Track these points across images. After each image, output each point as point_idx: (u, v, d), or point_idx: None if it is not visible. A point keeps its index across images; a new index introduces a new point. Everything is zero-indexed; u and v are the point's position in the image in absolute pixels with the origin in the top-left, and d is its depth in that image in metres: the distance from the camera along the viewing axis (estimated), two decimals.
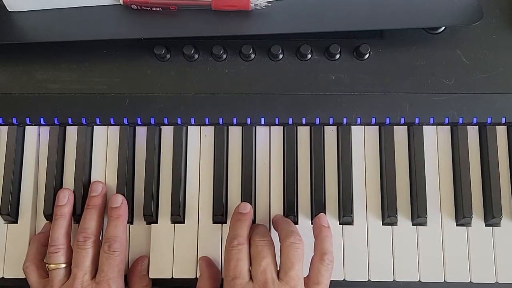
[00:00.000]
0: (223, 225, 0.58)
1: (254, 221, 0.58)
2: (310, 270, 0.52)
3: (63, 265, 0.55)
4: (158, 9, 0.57)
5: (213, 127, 0.59)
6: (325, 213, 0.57)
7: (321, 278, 0.51)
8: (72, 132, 0.60)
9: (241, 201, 0.57)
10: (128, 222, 0.58)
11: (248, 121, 0.58)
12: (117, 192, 0.58)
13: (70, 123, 0.59)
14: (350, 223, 0.57)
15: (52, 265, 0.54)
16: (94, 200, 0.57)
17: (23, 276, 0.56)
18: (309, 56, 0.59)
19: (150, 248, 0.57)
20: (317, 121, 0.58)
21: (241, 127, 0.59)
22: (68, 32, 0.58)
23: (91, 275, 0.54)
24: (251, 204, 0.57)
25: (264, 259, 0.51)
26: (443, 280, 0.56)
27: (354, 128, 0.59)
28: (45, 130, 0.60)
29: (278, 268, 0.52)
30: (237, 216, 0.55)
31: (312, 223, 0.57)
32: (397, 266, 0.56)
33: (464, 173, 0.57)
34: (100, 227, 0.57)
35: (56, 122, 0.59)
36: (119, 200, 0.57)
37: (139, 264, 0.57)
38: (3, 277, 0.57)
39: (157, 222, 0.58)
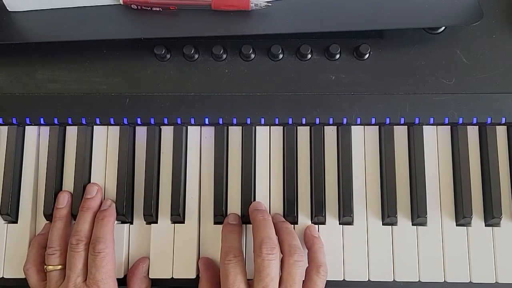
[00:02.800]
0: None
1: None
2: (306, 281, 0.53)
3: (60, 267, 0.55)
4: (158, 9, 0.57)
5: (213, 127, 0.59)
6: (325, 213, 0.57)
7: None
8: (72, 132, 0.60)
9: (241, 202, 0.58)
10: (128, 222, 0.58)
11: (248, 121, 0.58)
12: (117, 192, 0.58)
13: (70, 123, 0.59)
14: (350, 223, 0.57)
15: (49, 267, 0.55)
16: (88, 202, 0.57)
17: (23, 276, 0.56)
18: (309, 56, 0.59)
19: (150, 248, 0.57)
20: (317, 121, 0.58)
21: (241, 127, 0.59)
22: (68, 32, 0.58)
23: (83, 277, 0.54)
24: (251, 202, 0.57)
25: (268, 276, 0.51)
26: (443, 280, 0.56)
27: (354, 128, 0.59)
28: (45, 130, 0.60)
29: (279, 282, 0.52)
30: (228, 227, 0.56)
31: (312, 222, 0.57)
32: (397, 266, 0.56)
33: (464, 173, 0.57)
34: None
35: (56, 122, 0.59)
36: (107, 204, 0.57)
37: (140, 265, 0.57)
38: (3, 277, 0.57)
39: (157, 222, 0.58)
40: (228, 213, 0.58)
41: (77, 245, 0.54)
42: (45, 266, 0.55)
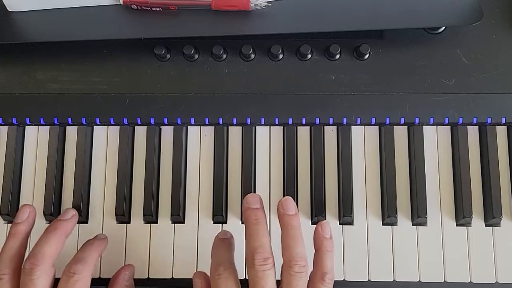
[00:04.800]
0: (223, 225, 0.58)
1: None
2: (309, 287, 0.49)
3: None
4: (158, 9, 0.57)
5: (213, 127, 0.59)
6: (325, 213, 0.57)
7: None
8: (72, 132, 0.60)
9: (241, 201, 0.57)
10: (127, 222, 0.58)
11: (248, 121, 0.58)
12: (116, 192, 0.58)
13: (70, 123, 0.59)
14: (350, 223, 0.57)
15: None
16: (59, 223, 0.52)
17: None
18: (309, 56, 0.59)
19: (150, 248, 0.57)
20: (317, 121, 0.58)
21: (241, 127, 0.59)
22: (68, 32, 0.58)
23: None
24: None
25: None
26: (443, 280, 0.56)
27: (354, 128, 0.59)
28: (45, 130, 0.60)
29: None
30: (217, 242, 0.52)
31: (311, 223, 0.57)
32: (397, 266, 0.56)
33: (464, 173, 0.57)
34: (59, 252, 0.51)
35: (56, 122, 0.59)
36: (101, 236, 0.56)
37: (122, 272, 0.54)
38: None
39: (157, 222, 0.58)
40: (228, 213, 0.58)
41: (32, 270, 0.47)
42: None
